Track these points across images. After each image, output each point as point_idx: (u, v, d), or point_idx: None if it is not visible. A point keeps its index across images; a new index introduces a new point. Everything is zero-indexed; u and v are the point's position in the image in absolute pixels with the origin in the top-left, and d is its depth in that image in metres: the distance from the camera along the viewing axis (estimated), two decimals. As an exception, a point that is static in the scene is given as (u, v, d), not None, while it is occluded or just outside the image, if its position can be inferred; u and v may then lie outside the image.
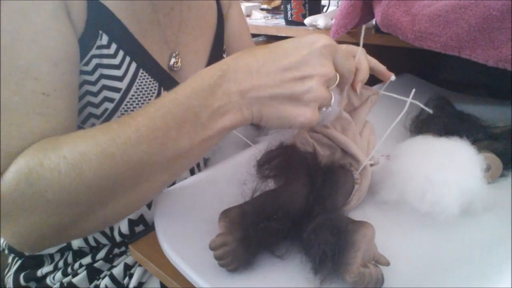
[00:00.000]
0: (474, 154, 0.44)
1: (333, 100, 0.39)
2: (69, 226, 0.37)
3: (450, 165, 0.43)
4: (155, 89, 0.53)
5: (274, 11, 1.38)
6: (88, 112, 0.49)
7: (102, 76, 0.48)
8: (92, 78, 0.48)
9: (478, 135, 0.53)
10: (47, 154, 0.35)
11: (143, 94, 0.52)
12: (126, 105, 0.50)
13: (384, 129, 0.43)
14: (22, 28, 0.39)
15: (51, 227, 0.36)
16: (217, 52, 0.64)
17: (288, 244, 0.38)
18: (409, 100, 0.41)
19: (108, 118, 0.50)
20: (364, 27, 0.43)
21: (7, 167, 0.36)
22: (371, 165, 0.45)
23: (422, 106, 0.42)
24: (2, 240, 0.60)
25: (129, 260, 0.56)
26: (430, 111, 0.42)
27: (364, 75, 0.45)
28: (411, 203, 0.42)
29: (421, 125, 0.60)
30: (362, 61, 0.45)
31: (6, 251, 0.59)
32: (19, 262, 0.60)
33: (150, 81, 0.52)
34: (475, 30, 0.49)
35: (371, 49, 0.48)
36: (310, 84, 0.35)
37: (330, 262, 0.33)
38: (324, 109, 0.39)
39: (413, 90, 0.40)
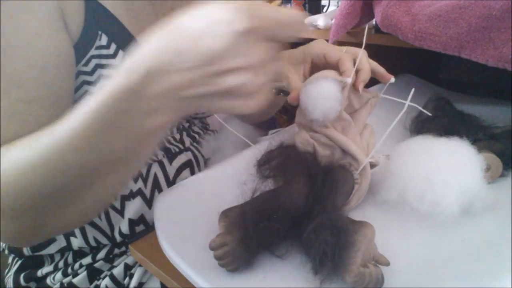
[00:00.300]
0: (474, 154, 0.44)
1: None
2: (31, 231, 0.38)
3: (450, 165, 0.43)
4: None
5: (274, 11, 1.38)
6: None
7: (102, 77, 0.48)
8: (92, 78, 0.48)
9: (478, 135, 0.53)
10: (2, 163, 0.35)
11: None
12: None
13: (384, 129, 0.43)
14: (12, 35, 0.40)
15: (16, 231, 0.38)
16: None
17: (288, 244, 0.38)
18: (407, 103, 0.41)
19: None
20: (366, 27, 0.43)
21: None
22: (372, 165, 0.45)
23: (420, 108, 0.43)
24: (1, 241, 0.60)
25: (129, 260, 0.56)
26: (429, 113, 0.42)
27: (365, 75, 0.45)
28: (411, 203, 0.42)
29: (421, 125, 0.60)
30: (364, 62, 0.45)
31: (6, 251, 0.59)
32: (19, 262, 0.60)
33: None
34: (475, 30, 0.49)
35: (371, 49, 0.48)
36: (244, 77, 0.28)
37: (330, 262, 0.33)
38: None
39: (412, 91, 0.40)
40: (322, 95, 0.42)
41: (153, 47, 0.31)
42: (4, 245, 0.59)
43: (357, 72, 0.45)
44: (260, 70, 0.29)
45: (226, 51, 0.27)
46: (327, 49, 0.49)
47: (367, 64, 0.45)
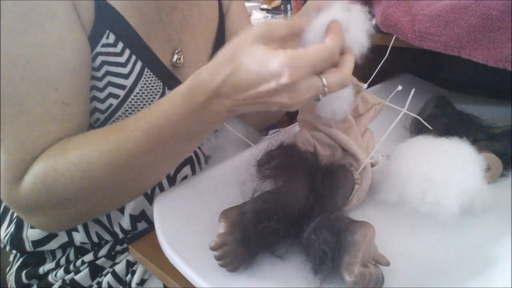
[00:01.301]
0: (474, 154, 0.44)
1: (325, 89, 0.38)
2: (85, 213, 0.45)
3: (450, 166, 0.43)
4: (159, 88, 0.53)
5: (274, 11, 1.38)
6: (93, 106, 0.50)
7: (108, 73, 0.49)
8: (98, 74, 0.49)
9: (478, 135, 0.53)
10: (58, 161, 0.41)
11: (148, 93, 0.52)
12: (130, 102, 0.51)
13: (384, 130, 0.43)
14: (42, 40, 0.42)
15: (69, 216, 0.45)
16: (218, 50, 0.64)
17: (288, 244, 0.38)
18: (404, 110, 0.42)
19: (112, 114, 0.51)
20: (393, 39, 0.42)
21: (28, 169, 0.42)
22: (372, 165, 0.45)
23: (418, 117, 0.43)
24: (3, 237, 0.60)
25: (131, 257, 0.56)
26: (429, 127, 0.43)
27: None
28: (411, 204, 0.42)
29: (421, 125, 0.60)
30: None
31: (8, 248, 0.59)
32: (21, 259, 0.60)
33: (155, 80, 0.53)
34: (475, 30, 0.49)
35: (371, 49, 0.48)
36: (283, 104, 0.36)
37: (330, 262, 0.33)
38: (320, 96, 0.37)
39: (412, 91, 0.40)
40: (337, 95, 0.40)
41: (216, 72, 0.37)
42: (6, 240, 0.59)
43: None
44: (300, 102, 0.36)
45: (270, 94, 0.35)
46: None
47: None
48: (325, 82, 0.35)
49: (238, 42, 0.37)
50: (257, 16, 1.29)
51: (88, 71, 0.47)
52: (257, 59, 0.34)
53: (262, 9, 1.39)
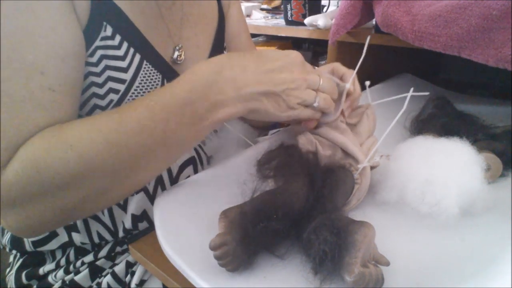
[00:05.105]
0: (474, 154, 0.44)
1: (317, 100, 0.43)
2: (74, 208, 0.40)
3: (450, 166, 0.43)
4: (158, 81, 0.53)
5: (274, 11, 1.38)
6: (93, 103, 0.49)
7: (107, 68, 0.49)
8: (97, 69, 0.48)
9: (478, 135, 0.53)
10: (52, 143, 0.38)
11: (148, 86, 0.52)
12: (131, 96, 0.51)
13: (383, 130, 0.43)
14: (31, 24, 0.40)
15: (57, 210, 0.39)
16: (218, 49, 0.65)
17: (288, 244, 0.38)
18: (401, 112, 0.42)
19: None
20: (368, 38, 0.45)
21: (11, 158, 0.38)
22: (372, 166, 0.45)
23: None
24: (3, 237, 0.60)
25: (131, 258, 0.56)
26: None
27: (356, 100, 0.50)
28: (410, 204, 0.42)
29: (421, 126, 0.60)
30: (356, 86, 0.49)
31: (8, 248, 0.59)
32: (21, 260, 0.60)
33: (154, 72, 0.53)
34: (475, 30, 0.49)
35: (371, 49, 0.48)
36: (292, 85, 0.42)
37: (330, 262, 0.33)
38: (315, 104, 0.44)
39: (411, 90, 0.40)
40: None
41: (228, 54, 0.41)
42: (6, 241, 0.59)
43: (347, 95, 0.47)
44: (302, 84, 0.42)
45: (282, 66, 0.41)
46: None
47: (358, 88, 0.49)
48: (317, 95, 0.43)
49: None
50: (257, 16, 1.29)
51: (79, 63, 0.45)
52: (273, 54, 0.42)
53: (262, 9, 1.39)
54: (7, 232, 0.60)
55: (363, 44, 0.44)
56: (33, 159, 0.37)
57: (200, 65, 0.40)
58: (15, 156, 0.38)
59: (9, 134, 0.38)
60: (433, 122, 0.58)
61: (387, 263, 0.35)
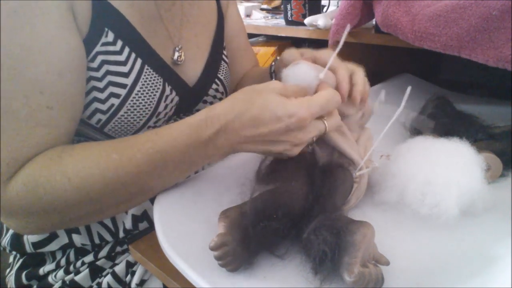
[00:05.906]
0: (474, 154, 0.44)
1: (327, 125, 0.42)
2: (67, 222, 0.44)
3: (450, 166, 0.43)
4: (160, 85, 0.53)
5: (274, 11, 1.38)
6: (94, 107, 0.50)
7: (108, 73, 0.49)
8: (98, 74, 0.48)
9: (478, 135, 0.53)
10: (52, 172, 0.40)
11: (149, 90, 0.52)
12: (132, 100, 0.51)
13: (382, 129, 0.43)
14: (30, 40, 0.41)
15: (56, 223, 0.43)
16: (217, 49, 0.65)
17: (288, 244, 0.38)
18: (400, 109, 0.42)
19: (114, 114, 0.50)
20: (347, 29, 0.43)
21: (13, 174, 0.40)
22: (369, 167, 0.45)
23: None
24: (3, 239, 0.60)
25: (131, 258, 0.56)
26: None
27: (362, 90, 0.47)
28: (411, 206, 0.42)
29: (421, 126, 0.60)
30: (360, 76, 0.47)
31: (8, 250, 0.59)
32: (21, 260, 0.60)
33: (155, 77, 0.53)
34: (475, 30, 0.49)
35: (371, 49, 0.48)
36: (286, 147, 0.41)
37: (330, 262, 0.33)
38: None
39: (408, 90, 0.40)
40: (301, 80, 0.43)
41: (231, 108, 0.40)
42: (6, 243, 0.59)
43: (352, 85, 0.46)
44: (298, 145, 0.41)
45: (279, 132, 0.39)
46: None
47: (361, 79, 0.46)
48: (326, 124, 0.41)
49: (257, 88, 0.41)
50: (257, 16, 1.29)
51: (78, 76, 0.45)
52: (274, 101, 0.39)
53: (262, 9, 1.39)
54: (6, 234, 0.60)
55: (364, 44, 0.44)
56: (34, 185, 0.40)
57: (201, 119, 0.40)
58: (17, 176, 0.40)
59: (11, 150, 0.40)
60: (433, 122, 0.58)
61: (387, 263, 0.35)
